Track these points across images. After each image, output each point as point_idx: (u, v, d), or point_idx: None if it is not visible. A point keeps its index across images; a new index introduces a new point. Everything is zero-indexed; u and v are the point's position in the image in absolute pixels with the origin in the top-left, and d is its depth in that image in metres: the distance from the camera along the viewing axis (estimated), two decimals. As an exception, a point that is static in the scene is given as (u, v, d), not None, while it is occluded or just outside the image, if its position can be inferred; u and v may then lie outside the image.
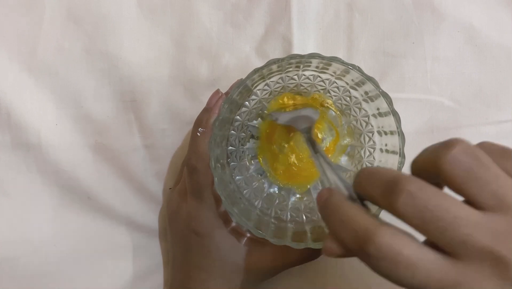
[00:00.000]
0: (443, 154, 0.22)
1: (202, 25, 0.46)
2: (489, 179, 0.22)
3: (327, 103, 0.40)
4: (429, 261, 0.22)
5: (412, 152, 0.34)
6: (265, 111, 0.40)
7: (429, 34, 0.45)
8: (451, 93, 0.45)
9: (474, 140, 0.45)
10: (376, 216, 0.23)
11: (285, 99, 0.40)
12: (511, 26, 0.46)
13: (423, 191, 0.22)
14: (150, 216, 0.46)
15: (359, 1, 0.46)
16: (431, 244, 0.22)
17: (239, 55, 0.46)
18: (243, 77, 0.41)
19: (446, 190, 0.23)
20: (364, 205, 0.25)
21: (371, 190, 0.24)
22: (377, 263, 0.22)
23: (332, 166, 0.29)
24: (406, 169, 0.34)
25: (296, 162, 0.40)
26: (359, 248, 0.22)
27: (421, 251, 0.22)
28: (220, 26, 0.46)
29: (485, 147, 0.24)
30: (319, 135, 0.40)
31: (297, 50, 0.45)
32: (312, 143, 0.32)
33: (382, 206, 0.23)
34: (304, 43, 0.46)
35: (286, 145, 0.40)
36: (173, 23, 0.46)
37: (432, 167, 0.23)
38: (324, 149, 0.40)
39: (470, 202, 0.22)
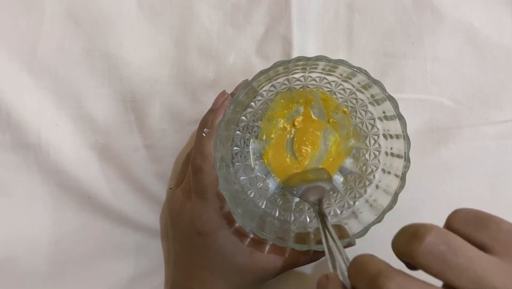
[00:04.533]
0: (415, 246, 0.22)
1: (202, 25, 0.46)
2: (463, 265, 0.22)
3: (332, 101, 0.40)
4: None
5: (413, 153, 0.35)
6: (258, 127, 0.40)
7: (429, 34, 0.45)
8: (451, 93, 0.45)
9: (474, 140, 0.45)
10: None
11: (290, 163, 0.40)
12: (511, 26, 0.46)
13: (403, 287, 0.22)
14: (150, 216, 0.46)
15: (359, 2, 0.46)
16: None
17: (239, 55, 0.46)
18: (243, 77, 0.41)
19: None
20: None
21: (359, 285, 0.24)
22: None
23: (338, 243, 0.30)
24: (411, 174, 0.34)
25: (301, 164, 0.40)
26: None
27: None
28: (220, 26, 0.46)
29: (460, 217, 0.24)
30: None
31: (297, 50, 0.45)
32: (322, 218, 0.33)
33: None
34: (304, 44, 0.46)
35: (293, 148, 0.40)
36: (173, 23, 0.46)
37: (409, 258, 0.23)
38: (328, 151, 0.41)
39: (451, 287, 0.22)
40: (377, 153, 0.39)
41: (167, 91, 0.45)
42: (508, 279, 0.22)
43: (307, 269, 0.45)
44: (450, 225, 0.24)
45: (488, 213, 0.24)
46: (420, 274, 0.23)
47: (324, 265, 0.44)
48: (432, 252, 0.22)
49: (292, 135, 0.41)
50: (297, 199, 0.40)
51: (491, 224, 0.23)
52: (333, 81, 0.38)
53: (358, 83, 0.36)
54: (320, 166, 0.41)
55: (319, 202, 0.35)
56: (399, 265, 0.24)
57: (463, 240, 0.23)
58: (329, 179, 0.39)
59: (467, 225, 0.24)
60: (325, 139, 0.41)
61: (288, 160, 0.41)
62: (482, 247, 0.23)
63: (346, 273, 0.27)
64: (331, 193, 0.41)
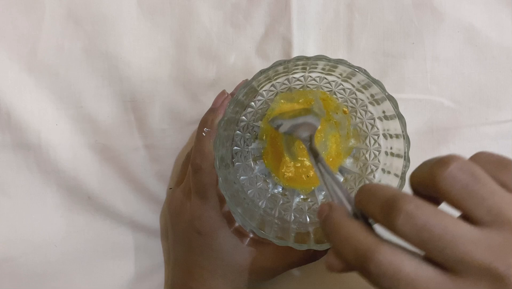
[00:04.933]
0: (440, 171, 0.23)
1: (202, 25, 0.46)
2: (485, 195, 0.22)
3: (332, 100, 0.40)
4: (429, 278, 0.22)
5: (413, 153, 0.35)
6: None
7: (429, 34, 0.45)
8: (451, 93, 0.45)
9: (474, 140, 0.45)
10: (376, 233, 0.24)
11: (284, 102, 0.40)
12: (511, 26, 0.46)
13: (420, 210, 0.22)
14: (150, 216, 0.46)
15: (359, 1, 0.46)
16: (431, 259, 0.23)
17: (239, 55, 0.46)
18: (243, 77, 0.41)
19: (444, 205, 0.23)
20: (366, 220, 0.26)
21: (370, 209, 0.24)
22: (377, 280, 0.23)
23: (334, 177, 0.29)
24: (409, 171, 0.34)
25: (301, 163, 0.40)
26: (359, 265, 0.23)
27: (420, 268, 0.22)
28: (220, 26, 0.46)
29: (482, 158, 0.24)
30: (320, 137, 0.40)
31: (297, 50, 0.45)
32: (314, 153, 0.32)
33: (381, 224, 0.24)
34: (304, 43, 0.46)
35: (292, 147, 0.40)
36: (173, 23, 0.46)
37: (430, 183, 0.23)
38: (327, 151, 0.41)
39: (467, 217, 0.23)
40: (377, 153, 0.39)
41: (167, 91, 0.45)
42: None
43: (307, 269, 0.45)
44: (473, 161, 0.24)
45: (509, 158, 0.24)
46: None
47: (324, 265, 0.44)
48: (456, 178, 0.22)
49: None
50: (297, 199, 0.40)
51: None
52: (333, 81, 0.38)
53: (358, 83, 0.36)
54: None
55: (310, 138, 0.34)
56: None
57: (486, 173, 0.23)
58: (318, 116, 0.38)
59: (490, 165, 0.24)
60: (325, 139, 0.41)
61: (287, 158, 0.40)
62: (502, 186, 0.23)
63: (346, 204, 0.27)
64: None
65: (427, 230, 0.22)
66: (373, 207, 0.24)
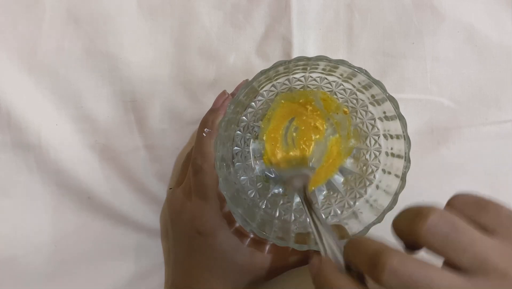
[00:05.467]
0: (419, 224, 0.23)
1: (202, 25, 0.46)
2: (466, 244, 0.23)
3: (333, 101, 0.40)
4: None
5: (413, 153, 0.35)
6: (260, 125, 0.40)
7: (429, 34, 0.45)
8: (451, 93, 0.45)
9: (474, 140, 0.45)
10: (367, 287, 0.25)
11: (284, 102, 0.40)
12: (511, 26, 0.46)
13: (404, 264, 0.23)
14: (150, 216, 0.46)
15: (359, 2, 0.46)
16: None
17: (239, 55, 0.46)
18: (243, 77, 0.41)
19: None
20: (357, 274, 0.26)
21: (357, 263, 0.25)
22: None
23: (328, 227, 0.30)
24: (411, 174, 0.34)
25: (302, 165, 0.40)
26: None
27: None
28: (220, 26, 0.46)
29: (460, 201, 0.25)
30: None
31: (297, 50, 0.45)
32: (307, 203, 0.33)
33: (370, 278, 0.24)
34: (304, 44, 0.46)
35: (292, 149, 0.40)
36: (173, 23, 0.46)
37: (411, 235, 0.24)
38: (328, 151, 0.41)
39: (451, 265, 0.23)
40: (377, 153, 0.39)
41: (167, 91, 0.45)
42: (508, 260, 0.23)
43: (307, 269, 0.44)
44: (450, 207, 0.25)
45: (487, 197, 0.25)
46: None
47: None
48: (436, 230, 0.23)
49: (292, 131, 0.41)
50: (297, 199, 0.40)
51: (490, 207, 0.24)
52: (334, 82, 0.38)
53: (359, 83, 0.36)
54: (320, 166, 0.41)
55: (304, 189, 0.35)
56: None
57: (465, 221, 0.23)
58: (312, 168, 0.39)
59: (468, 208, 0.24)
60: (326, 139, 0.41)
61: (285, 156, 0.41)
62: (482, 230, 0.24)
63: (338, 256, 0.27)
64: (331, 193, 0.41)
65: (413, 283, 0.22)
66: (359, 261, 0.25)
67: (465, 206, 0.24)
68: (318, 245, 0.30)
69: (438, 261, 0.23)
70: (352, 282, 0.25)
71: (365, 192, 0.38)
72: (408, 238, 0.24)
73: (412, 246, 0.24)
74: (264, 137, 0.40)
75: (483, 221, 0.24)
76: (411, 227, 0.23)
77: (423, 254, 0.24)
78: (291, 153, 0.40)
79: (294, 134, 0.40)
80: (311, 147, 0.41)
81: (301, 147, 0.40)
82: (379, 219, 0.34)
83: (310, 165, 0.40)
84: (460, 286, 0.22)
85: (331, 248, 0.29)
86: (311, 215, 0.32)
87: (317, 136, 0.40)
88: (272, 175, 0.39)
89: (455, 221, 0.23)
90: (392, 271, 0.22)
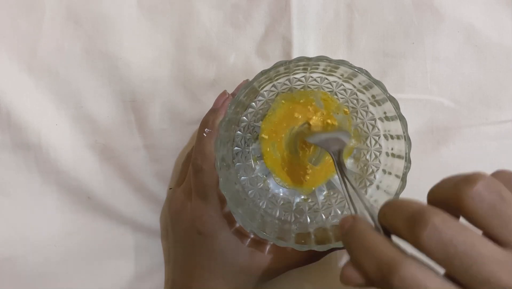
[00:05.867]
0: (465, 189, 0.22)
1: (202, 25, 0.46)
2: (511, 216, 0.22)
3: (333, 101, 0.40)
4: None
5: (413, 152, 0.35)
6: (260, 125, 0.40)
7: (429, 34, 0.45)
8: (451, 93, 0.45)
9: (474, 140, 0.45)
10: (401, 248, 0.23)
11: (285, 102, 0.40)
12: (511, 26, 0.46)
13: (448, 225, 0.22)
14: (150, 216, 0.46)
15: (359, 2, 0.46)
16: (452, 278, 0.22)
17: (239, 56, 0.46)
18: (243, 77, 0.41)
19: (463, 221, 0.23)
20: (389, 237, 0.25)
21: (395, 222, 0.24)
22: None
23: (359, 192, 0.29)
24: (411, 174, 0.34)
25: (303, 165, 0.40)
26: (381, 278, 0.23)
27: (445, 286, 0.22)
28: (220, 26, 0.46)
29: (505, 177, 0.24)
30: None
31: (297, 50, 0.45)
32: (341, 167, 0.32)
33: (406, 239, 0.23)
34: (304, 44, 0.46)
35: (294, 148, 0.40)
36: (173, 23, 0.46)
37: (453, 201, 0.23)
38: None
39: (491, 237, 0.22)
40: (378, 154, 0.39)
41: (167, 91, 0.45)
42: None
43: (308, 269, 0.45)
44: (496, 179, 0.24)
45: None
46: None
47: (324, 265, 0.44)
48: (483, 197, 0.22)
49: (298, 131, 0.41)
50: (298, 199, 0.40)
51: None
52: (334, 82, 0.38)
53: (359, 83, 0.36)
54: (321, 166, 0.41)
55: (339, 153, 0.34)
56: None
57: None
58: (349, 134, 0.38)
59: (510, 184, 0.23)
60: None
61: (286, 156, 0.41)
62: None
63: (370, 219, 0.26)
64: (331, 193, 0.41)
65: (454, 245, 0.21)
66: (398, 220, 0.23)
67: (508, 181, 0.23)
68: (349, 209, 0.29)
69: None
70: (387, 240, 0.24)
71: (366, 192, 0.38)
72: (448, 204, 0.23)
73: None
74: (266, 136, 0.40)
75: None
76: (455, 192, 0.22)
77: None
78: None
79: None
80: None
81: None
82: None
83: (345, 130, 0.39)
84: (500, 257, 0.21)
85: (361, 212, 0.27)
86: (343, 178, 0.31)
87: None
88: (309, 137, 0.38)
89: (503, 191, 0.22)
90: (434, 229, 0.21)
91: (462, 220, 0.23)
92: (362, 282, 0.24)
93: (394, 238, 0.25)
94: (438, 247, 0.21)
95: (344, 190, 0.30)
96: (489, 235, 0.22)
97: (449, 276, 0.22)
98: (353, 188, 0.30)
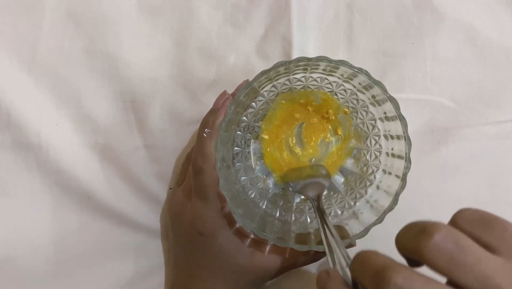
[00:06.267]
0: (423, 241, 0.23)
1: (202, 25, 0.46)
2: (471, 264, 0.22)
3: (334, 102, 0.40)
4: None
5: (413, 152, 0.35)
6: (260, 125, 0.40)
7: (429, 34, 0.45)
8: (451, 93, 0.45)
9: (474, 140, 0.45)
10: None
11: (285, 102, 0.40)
12: (511, 26, 0.46)
13: (409, 281, 0.22)
14: (150, 216, 0.46)
15: (359, 2, 0.46)
16: None
17: (239, 56, 0.46)
18: (243, 77, 0.41)
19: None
20: None
21: (362, 279, 0.25)
22: None
23: (338, 240, 0.30)
24: (411, 174, 0.34)
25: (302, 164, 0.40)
26: None
27: None
28: (220, 26, 0.46)
29: (465, 217, 0.24)
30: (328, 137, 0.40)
31: (297, 50, 0.45)
32: (320, 213, 0.33)
33: None
34: (304, 44, 0.46)
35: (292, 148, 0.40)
36: (173, 23, 0.46)
37: (415, 253, 0.23)
38: (329, 152, 0.41)
39: (456, 284, 0.23)
40: (378, 154, 0.39)
41: (167, 91, 0.45)
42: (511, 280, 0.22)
43: (308, 269, 0.45)
44: (455, 223, 0.24)
45: (493, 214, 0.24)
46: (422, 270, 0.23)
47: (324, 266, 0.44)
48: (440, 249, 0.22)
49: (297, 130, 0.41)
50: (297, 199, 0.40)
51: (496, 225, 0.24)
52: (334, 82, 0.38)
53: (359, 83, 0.36)
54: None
55: (318, 198, 0.35)
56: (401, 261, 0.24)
57: (470, 239, 0.23)
58: (328, 176, 0.39)
59: (473, 225, 0.24)
60: (328, 140, 0.41)
61: (286, 156, 0.41)
62: (487, 248, 0.23)
63: (346, 269, 0.27)
64: (331, 193, 0.41)
65: None
66: (364, 277, 0.24)
67: (470, 222, 0.24)
68: (327, 257, 0.29)
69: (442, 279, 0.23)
70: None
71: (366, 192, 0.39)
72: (411, 254, 0.24)
73: (415, 263, 0.24)
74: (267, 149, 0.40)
75: (488, 239, 0.23)
76: (415, 244, 0.23)
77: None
78: (303, 163, 0.40)
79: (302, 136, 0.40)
80: (317, 149, 0.41)
81: (309, 150, 0.41)
82: (380, 220, 0.35)
83: (324, 171, 0.39)
84: None
85: (339, 262, 0.28)
86: (323, 225, 0.32)
87: (324, 136, 0.41)
88: (289, 188, 0.39)
89: (460, 240, 0.23)
90: (397, 288, 0.22)
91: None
92: None
93: None
94: None
95: (323, 238, 0.31)
96: (453, 282, 0.23)
97: None
98: (333, 236, 0.30)
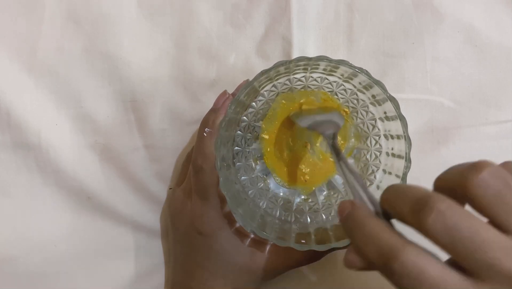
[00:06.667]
0: (472, 176, 0.22)
1: (202, 25, 0.46)
2: None
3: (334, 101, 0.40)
4: (453, 282, 0.22)
5: (413, 152, 0.35)
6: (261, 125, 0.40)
7: (429, 34, 0.45)
8: (451, 93, 0.45)
9: (474, 140, 0.45)
10: (402, 234, 0.24)
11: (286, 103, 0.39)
12: (511, 26, 0.46)
13: (453, 210, 0.22)
14: (150, 216, 0.46)
15: (359, 2, 0.46)
16: (454, 264, 0.22)
17: (239, 56, 0.46)
18: (243, 77, 0.41)
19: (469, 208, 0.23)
20: (389, 221, 0.25)
21: (399, 207, 0.24)
22: (400, 280, 0.22)
23: (356, 175, 0.29)
24: (411, 174, 0.34)
25: (303, 164, 0.40)
26: (383, 264, 0.23)
27: (445, 272, 0.22)
28: (220, 26, 0.46)
29: (510, 166, 0.24)
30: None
31: (297, 50, 0.45)
32: (336, 150, 0.32)
33: (410, 224, 0.23)
34: (304, 44, 0.46)
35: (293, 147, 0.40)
36: (173, 23, 0.46)
37: (459, 188, 0.23)
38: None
39: (496, 224, 0.22)
40: (378, 154, 0.39)
41: (167, 91, 0.45)
42: None
43: (308, 269, 0.45)
44: (504, 166, 0.24)
45: None
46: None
47: (324, 265, 0.44)
48: (489, 184, 0.22)
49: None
50: (298, 199, 0.40)
51: None
52: (334, 82, 0.38)
53: (359, 83, 0.36)
54: (321, 166, 0.41)
55: (333, 136, 0.33)
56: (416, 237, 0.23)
57: None
58: (342, 118, 0.37)
59: None
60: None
61: (286, 156, 0.41)
62: None
63: (369, 204, 0.26)
64: (332, 193, 0.41)
65: (458, 230, 0.21)
66: (402, 205, 0.24)
67: None
68: (348, 192, 0.28)
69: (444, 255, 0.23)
70: (388, 225, 0.24)
71: None
72: (454, 192, 0.23)
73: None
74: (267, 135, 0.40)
75: None
76: (461, 178, 0.23)
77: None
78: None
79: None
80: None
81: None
82: None
83: (338, 113, 0.38)
84: (504, 243, 0.22)
85: (360, 196, 0.27)
86: (339, 163, 0.30)
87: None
88: (300, 120, 0.37)
89: (509, 179, 0.22)
90: (439, 214, 0.22)
91: (468, 207, 0.23)
92: (363, 266, 0.24)
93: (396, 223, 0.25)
94: (443, 232, 0.22)
95: (341, 174, 0.30)
96: (494, 222, 0.22)
97: (453, 262, 0.22)
98: (351, 171, 0.29)
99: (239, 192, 0.38)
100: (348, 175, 0.29)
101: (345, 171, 0.30)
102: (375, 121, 0.38)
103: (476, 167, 0.23)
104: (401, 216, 0.24)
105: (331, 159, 0.40)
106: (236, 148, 0.39)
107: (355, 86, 0.37)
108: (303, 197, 0.40)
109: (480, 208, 0.23)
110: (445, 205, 0.22)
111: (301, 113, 0.38)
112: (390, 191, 0.25)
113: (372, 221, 0.25)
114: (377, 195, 0.37)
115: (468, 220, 0.22)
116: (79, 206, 0.45)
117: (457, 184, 0.23)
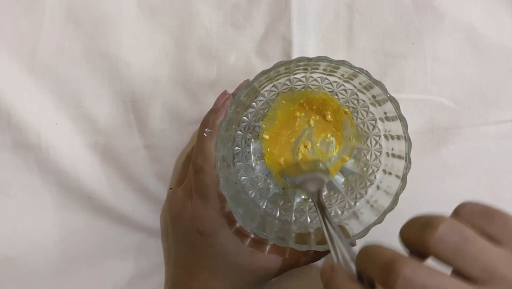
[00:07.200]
0: (428, 234, 0.23)
1: (202, 25, 0.46)
2: (476, 254, 0.23)
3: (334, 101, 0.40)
4: None
5: (413, 152, 0.35)
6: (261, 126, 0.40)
7: (429, 34, 0.45)
8: (451, 93, 0.45)
9: (474, 140, 0.45)
10: None
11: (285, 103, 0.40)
12: (511, 26, 0.46)
13: (417, 273, 0.22)
14: (150, 216, 0.46)
15: (359, 2, 0.46)
16: None
17: (239, 55, 0.46)
18: (244, 77, 0.41)
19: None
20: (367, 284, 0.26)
21: (369, 271, 0.25)
22: None
23: (340, 234, 0.30)
24: (411, 174, 0.34)
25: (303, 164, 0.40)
26: None
27: None
28: (220, 26, 0.46)
29: (467, 210, 0.25)
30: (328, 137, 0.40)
31: (297, 50, 0.45)
32: (321, 207, 0.33)
33: (382, 287, 0.24)
34: (304, 44, 0.46)
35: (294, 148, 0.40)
36: (173, 23, 0.46)
37: (420, 246, 0.24)
38: (332, 152, 0.41)
39: (460, 273, 0.23)
40: (378, 154, 0.39)
41: (167, 91, 0.45)
42: None
43: (308, 269, 0.45)
44: (458, 216, 0.25)
45: (494, 207, 0.25)
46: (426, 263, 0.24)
47: (325, 265, 0.44)
48: (445, 240, 0.23)
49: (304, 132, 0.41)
50: (298, 199, 0.40)
51: (498, 217, 0.24)
52: (335, 82, 0.38)
53: (360, 84, 0.36)
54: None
55: (318, 193, 0.35)
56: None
57: (474, 231, 0.23)
58: (327, 172, 0.39)
59: (475, 217, 0.24)
60: (333, 141, 0.41)
61: (286, 156, 0.41)
62: (489, 239, 0.24)
63: (350, 263, 0.27)
64: (332, 193, 0.41)
65: None
66: (371, 269, 0.25)
67: (472, 215, 0.24)
68: (331, 252, 0.29)
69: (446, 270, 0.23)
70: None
71: (366, 192, 0.39)
72: (416, 247, 0.24)
73: (419, 255, 0.24)
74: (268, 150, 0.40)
75: (490, 231, 0.24)
76: (420, 237, 0.23)
77: (429, 261, 0.24)
78: (304, 157, 0.40)
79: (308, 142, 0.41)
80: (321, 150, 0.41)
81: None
82: (380, 220, 0.35)
83: (323, 167, 0.39)
84: None
85: (343, 255, 0.28)
86: (324, 220, 0.32)
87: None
88: (288, 180, 0.39)
89: (464, 231, 0.23)
90: (405, 280, 0.22)
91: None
92: None
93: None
94: None
95: (325, 232, 0.31)
96: (459, 273, 0.23)
97: None
98: (335, 231, 0.30)
99: (239, 192, 0.38)
100: (332, 232, 0.30)
101: (329, 228, 0.31)
102: (375, 122, 0.38)
103: (431, 225, 0.23)
104: (374, 279, 0.25)
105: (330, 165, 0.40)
106: (236, 148, 0.39)
107: (355, 87, 0.37)
108: (303, 197, 0.40)
109: (443, 262, 0.23)
110: (410, 270, 0.22)
111: (286, 172, 0.40)
112: (361, 254, 0.26)
113: (349, 286, 0.26)
114: (377, 195, 0.37)
115: (435, 279, 0.22)
116: (79, 206, 0.45)
117: (418, 242, 0.24)
